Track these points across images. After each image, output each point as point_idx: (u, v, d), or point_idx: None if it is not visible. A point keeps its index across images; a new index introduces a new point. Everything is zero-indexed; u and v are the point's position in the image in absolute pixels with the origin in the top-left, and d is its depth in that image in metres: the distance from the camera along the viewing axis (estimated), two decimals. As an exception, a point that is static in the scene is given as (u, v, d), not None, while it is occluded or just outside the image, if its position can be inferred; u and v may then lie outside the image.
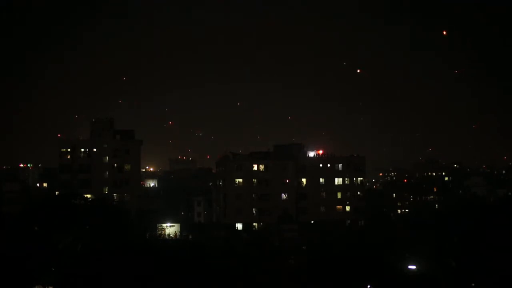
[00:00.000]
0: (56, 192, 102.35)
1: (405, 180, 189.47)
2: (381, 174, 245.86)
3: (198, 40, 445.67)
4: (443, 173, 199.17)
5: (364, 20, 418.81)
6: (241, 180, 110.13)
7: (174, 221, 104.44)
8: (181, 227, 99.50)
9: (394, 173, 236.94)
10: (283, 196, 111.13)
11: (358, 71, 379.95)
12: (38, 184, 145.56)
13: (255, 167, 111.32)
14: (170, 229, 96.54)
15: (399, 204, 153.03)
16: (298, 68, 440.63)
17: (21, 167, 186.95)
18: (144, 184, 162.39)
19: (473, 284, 50.14)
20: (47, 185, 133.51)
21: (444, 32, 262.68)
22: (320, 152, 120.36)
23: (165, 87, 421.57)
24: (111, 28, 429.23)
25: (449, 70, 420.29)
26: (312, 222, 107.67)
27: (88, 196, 79.09)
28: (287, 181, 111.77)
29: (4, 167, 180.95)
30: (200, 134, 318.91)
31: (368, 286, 50.07)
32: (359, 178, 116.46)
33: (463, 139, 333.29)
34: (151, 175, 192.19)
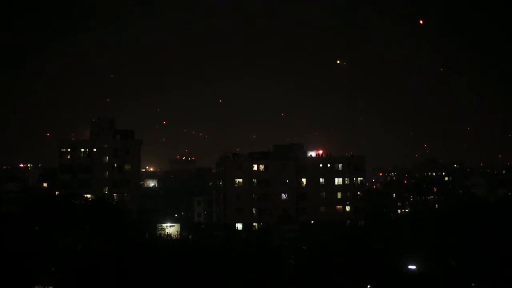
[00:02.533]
0: (56, 192, 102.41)
1: (405, 181, 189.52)
2: (381, 174, 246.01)
3: (198, 40, 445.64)
4: (443, 173, 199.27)
5: (364, 20, 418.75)
6: (241, 180, 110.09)
7: (174, 221, 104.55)
8: (181, 227, 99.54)
9: (394, 173, 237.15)
10: (283, 196, 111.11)
11: (338, 62, 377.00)
12: (38, 184, 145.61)
13: (255, 167, 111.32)
14: (170, 229, 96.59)
15: (399, 204, 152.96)
16: (298, 68, 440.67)
17: (21, 167, 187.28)
18: (144, 183, 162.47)
19: (473, 284, 50.15)
20: (47, 185, 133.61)
21: (421, 22, 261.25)
22: (320, 152, 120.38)
23: (164, 87, 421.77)
24: (111, 28, 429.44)
25: (448, 70, 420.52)
26: (312, 222, 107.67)
27: (88, 196, 79.15)
28: (287, 181, 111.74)
29: (4, 167, 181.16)
30: (200, 135, 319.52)
31: (368, 286, 50.08)
32: (359, 178, 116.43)
33: (462, 138, 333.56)
34: (151, 175, 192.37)
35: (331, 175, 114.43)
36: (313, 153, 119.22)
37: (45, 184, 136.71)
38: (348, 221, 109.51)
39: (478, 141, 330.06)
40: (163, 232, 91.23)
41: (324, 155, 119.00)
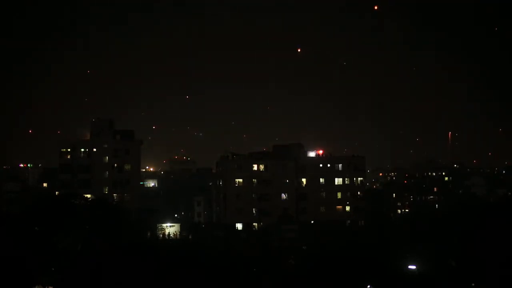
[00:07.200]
0: (56, 192, 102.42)
1: (405, 181, 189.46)
2: (381, 174, 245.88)
3: (197, 41, 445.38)
4: (443, 173, 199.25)
5: (363, 20, 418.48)
6: (241, 180, 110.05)
7: (174, 221, 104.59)
8: (181, 227, 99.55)
9: (394, 173, 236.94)
10: (283, 196, 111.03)
11: (299, 50, 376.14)
12: (38, 184, 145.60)
13: (255, 167, 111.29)
14: (170, 229, 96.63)
15: (399, 204, 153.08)
16: (297, 67, 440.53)
17: (21, 167, 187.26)
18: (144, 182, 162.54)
19: (473, 284, 50.16)
20: (47, 185, 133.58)
21: (375, 7, 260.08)
22: (320, 152, 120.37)
23: (162, 88, 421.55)
24: (111, 28, 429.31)
25: (447, 70, 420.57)
26: (312, 222, 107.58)
27: (88, 196, 79.12)
28: (287, 181, 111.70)
29: (4, 167, 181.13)
30: (200, 135, 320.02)
31: (368, 286, 50.09)
32: (359, 178, 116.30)
33: (459, 138, 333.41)
34: (151, 175, 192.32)
35: (331, 175, 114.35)
36: (313, 153, 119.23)
37: (45, 184, 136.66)
38: (348, 221, 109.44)
39: (473, 141, 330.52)
40: (163, 232, 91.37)
41: (324, 155, 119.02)
